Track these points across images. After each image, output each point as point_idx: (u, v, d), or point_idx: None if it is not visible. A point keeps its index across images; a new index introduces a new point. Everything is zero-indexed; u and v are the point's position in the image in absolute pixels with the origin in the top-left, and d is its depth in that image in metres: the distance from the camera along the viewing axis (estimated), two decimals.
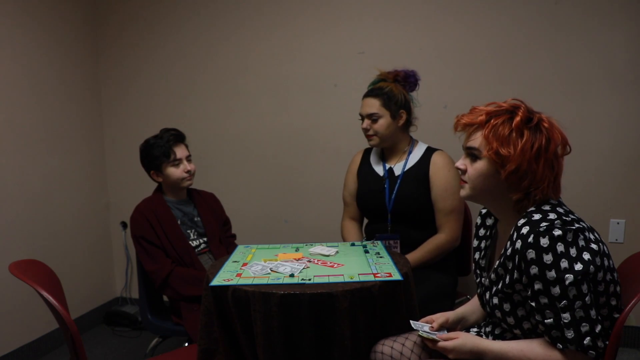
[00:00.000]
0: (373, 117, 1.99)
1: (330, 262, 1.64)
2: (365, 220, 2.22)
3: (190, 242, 2.09)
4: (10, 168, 2.48)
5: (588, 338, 1.08)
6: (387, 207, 2.03)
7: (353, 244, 1.90)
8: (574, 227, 1.12)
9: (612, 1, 2.34)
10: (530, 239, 1.11)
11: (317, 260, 1.67)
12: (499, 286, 1.23)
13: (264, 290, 1.38)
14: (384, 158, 2.13)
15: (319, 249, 1.80)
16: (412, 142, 2.10)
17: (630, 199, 2.45)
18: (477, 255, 1.40)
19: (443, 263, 2.01)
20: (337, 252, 1.77)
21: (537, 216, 1.15)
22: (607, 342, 1.16)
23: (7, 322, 2.46)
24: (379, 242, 1.92)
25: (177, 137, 2.09)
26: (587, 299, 1.09)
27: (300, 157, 2.86)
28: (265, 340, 1.37)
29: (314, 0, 2.72)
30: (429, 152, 2.06)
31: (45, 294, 1.35)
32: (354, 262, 1.64)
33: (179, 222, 2.10)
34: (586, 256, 1.10)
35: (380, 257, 1.70)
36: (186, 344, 2.00)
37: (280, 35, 2.80)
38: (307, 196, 2.87)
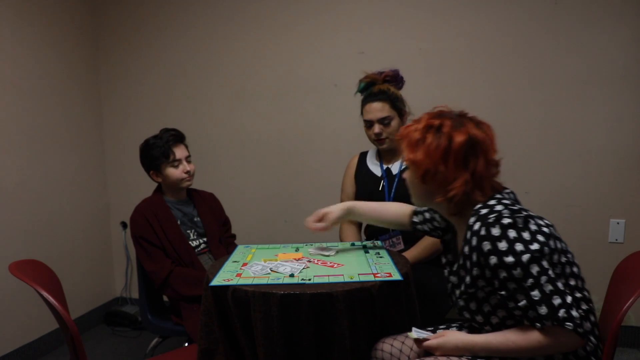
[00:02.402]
0: (385, 121, 1.98)
1: (330, 262, 1.64)
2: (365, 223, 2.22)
3: (190, 242, 2.09)
4: (10, 168, 2.48)
5: (562, 310, 1.10)
6: None
7: (353, 244, 1.90)
8: (522, 214, 1.16)
9: (610, 2, 2.35)
10: (483, 232, 1.15)
11: (317, 260, 1.66)
12: (462, 288, 1.26)
13: (264, 290, 1.38)
14: (380, 159, 2.13)
15: (319, 249, 1.80)
16: None
17: (630, 199, 2.45)
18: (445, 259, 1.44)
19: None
20: (337, 252, 1.77)
21: (484, 211, 1.20)
22: (586, 315, 1.19)
23: (7, 322, 2.46)
24: (379, 242, 1.92)
25: (177, 137, 2.09)
26: (550, 272, 1.11)
27: (301, 157, 2.86)
28: (265, 340, 1.37)
29: (314, 1, 2.72)
30: None
31: (45, 294, 1.35)
32: (354, 262, 1.64)
33: (178, 222, 2.09)
34: (540, 238, 1.13)
35: (380, 257, 1.70)
36: (186, 344, 2.00)
37: (280, 35, 2.80)
38: (307, 196, 2.87)
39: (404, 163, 1.28)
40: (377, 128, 1.99)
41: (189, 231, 2.12)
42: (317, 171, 2.84)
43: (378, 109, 1.98)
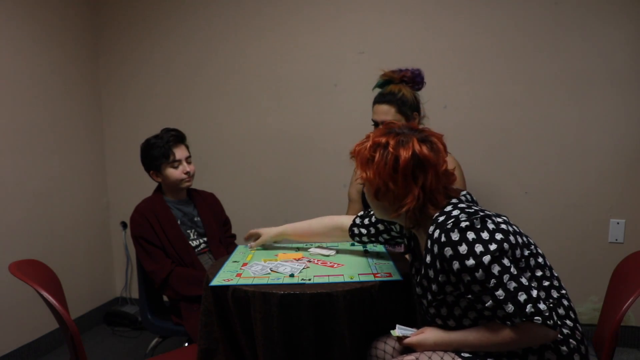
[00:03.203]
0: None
1: (330, 262, 1.64)
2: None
3: (190, 242, 2.09)
4: (10, 168, 2.48)
5: (529, 305, 1.11)
6: None
7: (353, 244, 1.90)
8: (479, 215, 1.17)
9: (612, 1, 2.35)
10: (443, 239, 1.16)
11: (317, 260, 1.67)
12: (429, 297, 1.26)
13: (264, 290, 1.38)
14: None
15: (319, 249, 1.80)
16: None
17: (630, 199, 2.45)
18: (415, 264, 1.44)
19: None
20: (337, 252, 1.77)
21: (442, 218, 1.21)
22: (558, 302, 1.21)
23: (7, 322, 2.46)
24: None
25: (177, 137, 2.08)
26: (512, 270, 1.12)
27: (301, 157, 2.86)
28: (265, 340, 1.37)
29: (314, 1, 2.72)
30: None
31: (45, 294, 1.35)
32: (354, 262, 1.64)
33: (178, 222, 2.09)
34: (498, 236, 1.15)
35: (380, 257, 1.70)
36: (186, 344, 2.00)
37: (280, 35, 2.80)
38: (307, 196, 2.87)
39: (360, 180, 1.31)
40: None
41: (189, 231, 2.12)
42: (317, 171, 2.84)
43: (384, 111, 1.96)
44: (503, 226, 1.18)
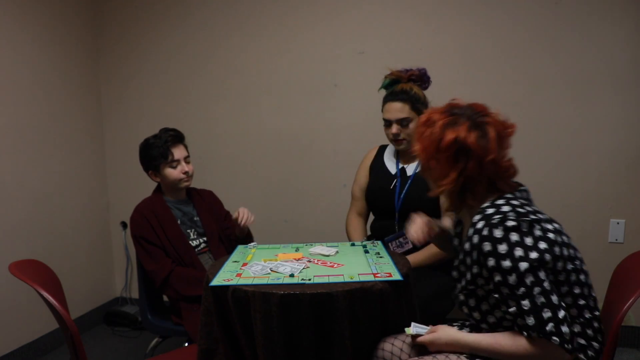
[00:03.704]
0: (404, 122, 1.95)
1: (330, 262, 1.64)
2: (371, 217, 2.22)
3: (190, 242, 2.09)
4: (10, 168, 2.48)
5: (551, 324, 1.08)
6: (396, 206, 2.02)
7: (353, 244, 1.90)
8: (528, 218, 1.14)
9: (612, 1, 2.34)
10: (485, 232, 1.14)
11: (317, 260, 1.66)
12: (463, 283, 1.26)
13: (264, 290, 1.38)
14: (398, 157, 2.12)
15: (319, 249, 1.80)
16: None
17: (630, 199, 2.45)
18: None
19: (443, 262, 2.00)
20: (337, 252, 1.77)
21: (490, 210, 1.19)
22: (586, 333, 1.18)
23: (7, 322, 2.46)
24: (379, 242, 1.91)
25: (176, 137, 2.08)
26: (545, 284, 1.10)
27: (301, 157, 2.86)
28: (265, 340, 1.37)
29: (314, 1, 2.72)
30: None
31: (45, 294, 1.35)
32: (354, 262, 1.64)
33: (178, 222, 2.09)
34: (542, 245, 1.12)
35: (380, 257, 1.70)
36: (186, 344, 2.00)
37: (280, 35, 2.80)
38: (307, 196, 2.87)
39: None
40: (394, 128, 1.96)
41: (189, 231, 2.12)
42: (317, 171, 2.84)
43: (398, 109, 1.95)
44: (550, 235, 1.15)
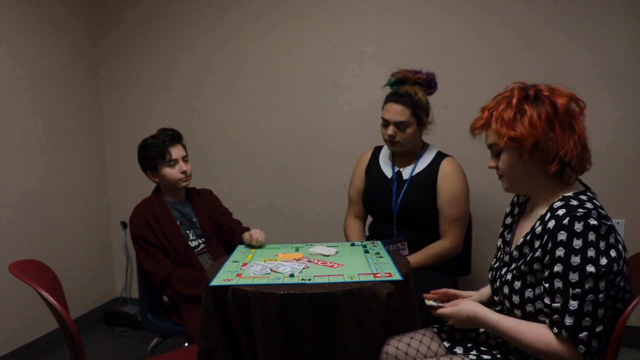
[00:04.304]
0: (401, 126, 1.93)
1: (330, 262, 1.64)
2: (369, 219, 2.21)
3: (189, 243, 2.09)
4: (10, 168, 2.48)
5: (585, 333, 1.08)
6: (393, 210, 2.01)
7: (353, 244, 1.90)
8: (609, 223, 1.13)
9: (612, 1, 2.34)
10: (566, 221, 1.11)
11: (317, 260, 1.67)
12: (519, 263, 1.23)
13: (264, 290, 1.38)
14: (393, 160, 2.10)
15: (319, 249, 1.80)
16: (424, 146, 2.08)
17: (630, 199, 2.45)
18: (505, 232, 1.40)
19: (443, 263, 2.00)
20: (337, 252, 1.77)
21: (574, 202, 1.16)
22: (605, 346, 1.16)
23: (7, 322, 2.46)
24: (379, 242, 1.92)
25: (174, 137, 2.08)
26: (600, 296, 1.08)
27: (300, 157, 2.86)
28: (265, 340, 1.37)
29: (314, 0, 2.72)
30: (439, 157, 2.03)
31: (45, 294, 1.35)
32: (354, 262, 1.64)
33: (178, 222, 2.10)
34: (613, 254, 1.10)
35: (380, 257, 1.70)
36: (186, 344, 2.00)
37: (280, 35, 2.80)
38: (307, 196, 2.87)
39: (502, 144, 1.22)
40: (391, 130, 1.94)
41: (188, 231, 2.12)
42: (317, 171, 2.84)
43: (398, 111, 1.92)
44: (620, 247, 1.14)
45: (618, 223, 2.47)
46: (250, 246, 1.91)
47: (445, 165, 1.99)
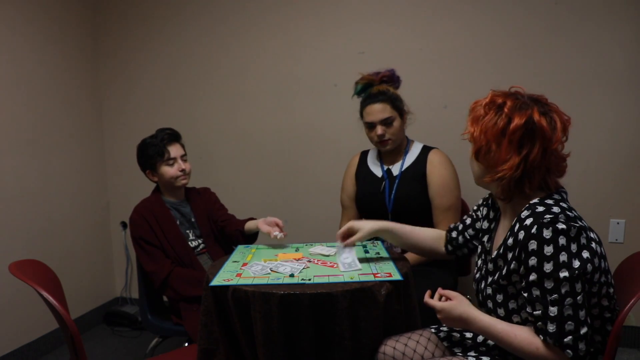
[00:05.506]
0: (387, 122, 1.96)
1: (330, 262, 1.64)
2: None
3: (189, 243, 2.09)
4: (10, 168, 2.48)
5: (570, 337, 1.08)
6: (388, 207, 2.03)
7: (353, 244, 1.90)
8: (577, 224, 1.12)
9: (610, 2, 2.34)
10: (534, 230, 1.11)
11: (317, 260, 1.67)
12: (495, 277, 1.23)
13: (264, 290, 1.38)
14: (381, 159, 2.13)
15: (319, 249, 1.80)
16: (409, 142, 2.11)
17: (630, 199, 2.45)
18: (485, 238, 1.39)
19: (443, 261, 2.00)
20: (337, 252, 1.76)
21: (540, 208, 1.16)
22: (600, 345, 1.17)
23: (7, 322, 2.46)
24: (379, 242, 1.92)
25: (172, 136, 2.09)
26: (579, 298, 1.08)
27: (301, 157, 2.86)
28: (265, 340, 1.37)
29: (314, 1, 2.72)
30: (425, 150, 2.07)
31: (45, 294, 1.35)
32: None
33: (177, 222, 2.10)
34: (585, 254, 1.10)
35: (380, 257, 1.70)
36: (186, 344, 2.00)
37: (280, 35, 2.80)
38: (307, 196, 2.87)
39: (464, 136, 1.26)
40: (379, 130, 1.97)
41: (188, 231, 2.12)
42: (317, 171, 2.84)
43: (379, 110, 1.96)
44: (593, 245, 1.13)
45: (618, 223, 2.47)
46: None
47: (432, 157, 2.03)
